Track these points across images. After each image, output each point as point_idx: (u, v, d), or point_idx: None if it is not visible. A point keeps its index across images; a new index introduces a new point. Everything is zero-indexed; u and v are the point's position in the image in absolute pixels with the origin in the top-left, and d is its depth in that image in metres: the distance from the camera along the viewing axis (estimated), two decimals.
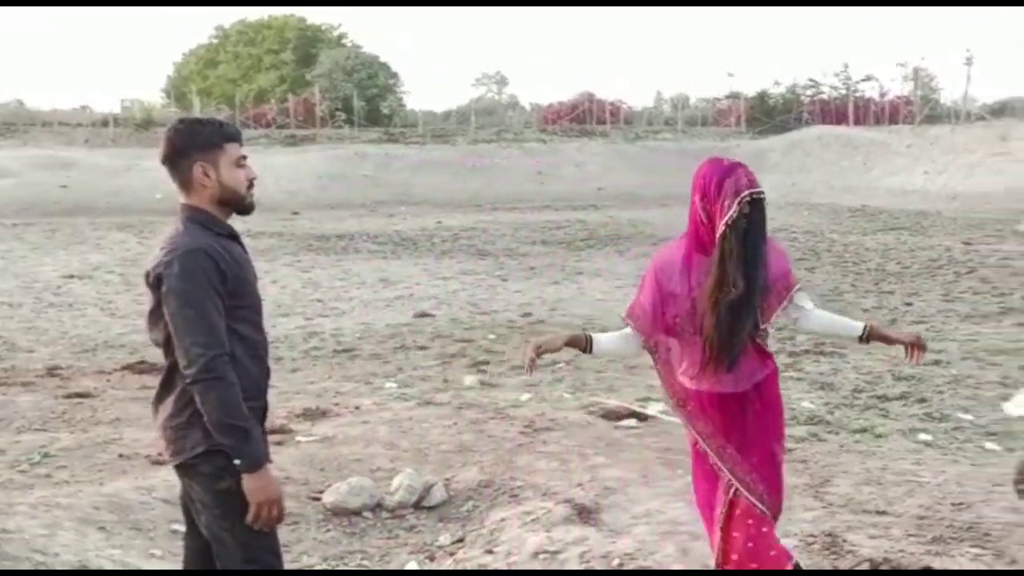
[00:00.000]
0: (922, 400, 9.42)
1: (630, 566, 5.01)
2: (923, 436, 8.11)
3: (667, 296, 4.13)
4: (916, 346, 4.16)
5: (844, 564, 4.96)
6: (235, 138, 3.65)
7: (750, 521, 4.09)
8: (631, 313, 4.22)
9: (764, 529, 4.09)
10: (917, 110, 53.04)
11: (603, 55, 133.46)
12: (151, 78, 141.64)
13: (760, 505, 4.11)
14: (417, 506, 6.53)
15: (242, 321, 3.55)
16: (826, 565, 4.97)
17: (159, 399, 3.61)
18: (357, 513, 6.46)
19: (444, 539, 6.05)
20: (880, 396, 9.60)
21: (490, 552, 5.52)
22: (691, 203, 4.12)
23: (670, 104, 64.41)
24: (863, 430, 8.29)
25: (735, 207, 3.94)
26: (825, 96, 59.79)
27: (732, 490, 4.13)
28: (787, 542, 5.28)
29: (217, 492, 3.49)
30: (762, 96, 59.55)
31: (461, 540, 5.96)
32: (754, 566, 4.05)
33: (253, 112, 55.69)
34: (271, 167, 35.07)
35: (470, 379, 10.22)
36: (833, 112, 55.83)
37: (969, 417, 8.82)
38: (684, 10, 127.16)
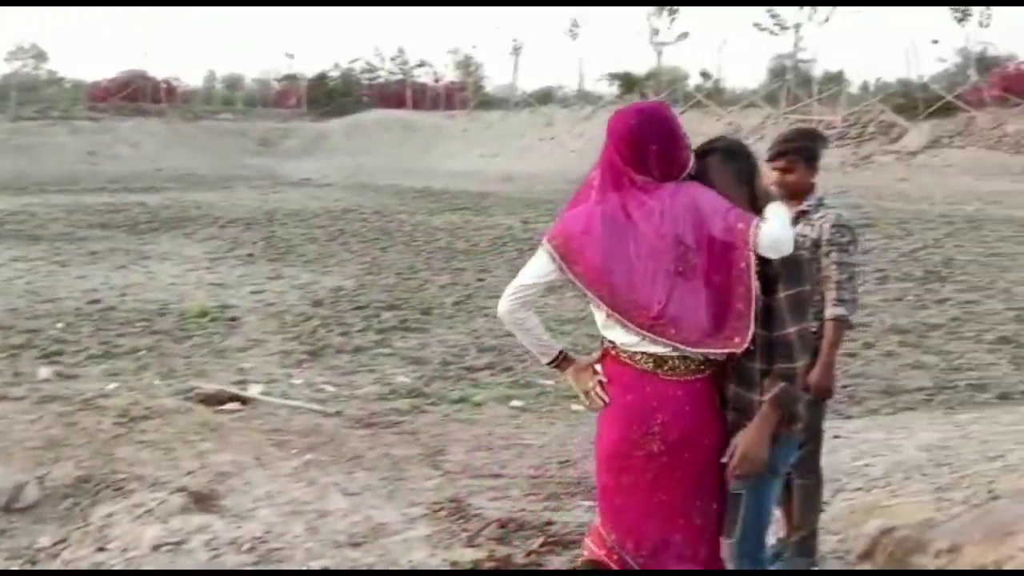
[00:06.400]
0: (507, 369, 9.88)
1: (261, 549, 4.87)
2: (515, 403, 8.49)
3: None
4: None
5: (472, 527, 5.10)
6: None
7: None
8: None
9: None
10: (471, 96, 55.63)
11: (152, 30, 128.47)
12: None
13: None
14: (8, 509, 5.95)
15: None
16: (456, 530, 5.08)
17: None
18: None
19: (44, 540, 5.56)
20: (468, 367, 9.96)
21: (102, 549, 5.15)
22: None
23: (223, 83, 63.38)
24: (462, 400, 8.55)
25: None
26: (383, 80, 61.16)
27: None
28: (413, 511, 5.39)
29: None
30: (321, 78, 59.91)
31: (64, 540, 5.52)
32: None
33: None
34: None
35: (45, 371, 9.47)
36: (392, 96, 57.24)
37: (551, 383, 9.33)
38: None
